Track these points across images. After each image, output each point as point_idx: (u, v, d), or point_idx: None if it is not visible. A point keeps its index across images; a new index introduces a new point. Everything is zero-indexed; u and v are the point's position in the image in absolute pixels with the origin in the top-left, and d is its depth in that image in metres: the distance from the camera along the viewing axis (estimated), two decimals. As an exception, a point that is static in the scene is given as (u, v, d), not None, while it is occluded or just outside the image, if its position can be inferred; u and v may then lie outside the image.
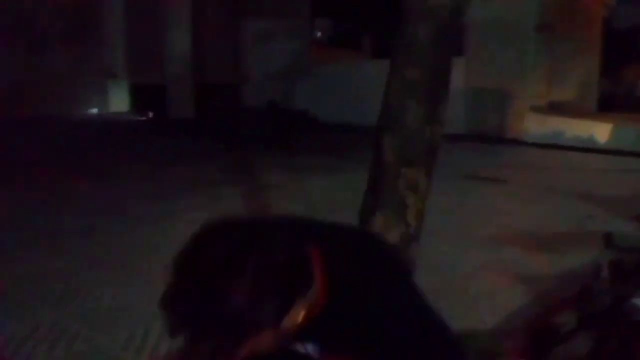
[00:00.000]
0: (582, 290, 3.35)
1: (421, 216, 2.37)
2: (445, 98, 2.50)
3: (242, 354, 1.08)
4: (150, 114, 15.68)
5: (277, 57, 15.90)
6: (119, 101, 16.96)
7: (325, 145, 11.29)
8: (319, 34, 17.64)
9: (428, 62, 2.47)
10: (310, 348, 1.27)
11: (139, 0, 16.21)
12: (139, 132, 13.74)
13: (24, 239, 5.30)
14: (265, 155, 9.97)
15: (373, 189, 2.38)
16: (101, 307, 3.92)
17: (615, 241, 4.08)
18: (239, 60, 16.60)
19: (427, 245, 3.64)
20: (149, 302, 4.07)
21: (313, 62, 15.71)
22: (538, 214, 6.42)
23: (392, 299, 1.19)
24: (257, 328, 1.05)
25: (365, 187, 2.45)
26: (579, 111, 12.17)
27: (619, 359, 2.92)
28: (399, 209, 2.31)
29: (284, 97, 15.53)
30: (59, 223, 5.84)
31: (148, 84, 15.93)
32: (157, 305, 1.07)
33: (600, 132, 11.19)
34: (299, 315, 1.11)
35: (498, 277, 4.40)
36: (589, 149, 10.79)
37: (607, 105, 12.89)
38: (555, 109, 12.37)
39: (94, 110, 16.63)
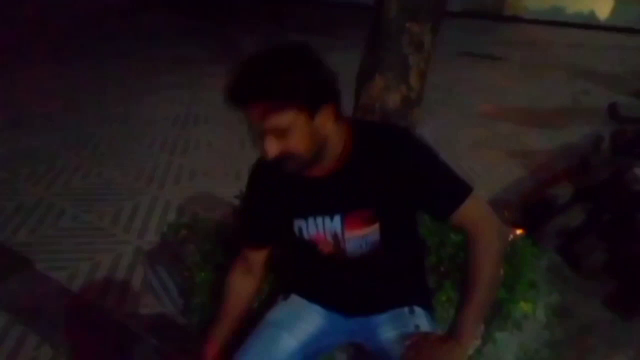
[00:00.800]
0: (580, 163, 3.26)
1: (424, 78, 2.15)
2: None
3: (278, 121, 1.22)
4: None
5: None
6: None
7: (317, 22, 10.76)
8: None
9: None
10: (335, 221, 1.40)
11: None
12: (115, 8, 12.98)
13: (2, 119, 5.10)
14: (252, 33, 9.50)
15: (372, 48, 2.14)
16: (85, 185, 3.82)
17: (621, 111, 3.92)
18: None
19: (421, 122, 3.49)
20: (135, 179, 3.99)
21: None
22: (534, 90, 6.24)
23: (407, 161, 1.32)
24: (292, 100, 1.20)
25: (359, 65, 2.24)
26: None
27: (613, 231, 2.89)
28: (401, 69, 2.09)
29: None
30: (40, 103, 5.59)
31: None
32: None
33: (602, 8, 10.72)
34: (326, 120, 1.26)
35: (493, 152, 4.32)
36: (590, 25, 10.39)
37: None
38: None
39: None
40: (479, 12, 11.59)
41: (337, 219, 1.39)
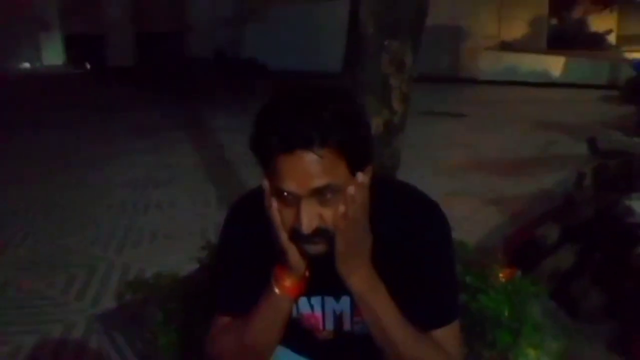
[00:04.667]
0: (565, 202, 3.13)
1: (407, 101, 2.00)
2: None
3: None
4: (88, 65, 14.73)
5: (223, 1, 15.09)
6: (52, 54, 15.80)
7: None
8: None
9: None
10: (342, 302, 1.15)
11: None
12: (77, 83, 12.87)
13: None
14: (212, 102, 9.45)
15: (349, 70, 1.98)
16: (35, 252, 3.48)
17: (600, 145, 3.86)
18: (183, 6, 15.69)
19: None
20: (90, 244, 3.67)
21: (260, 5, 14.88)
22: (500, 142, 6.25)
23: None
24: (349, 152, 0.96)
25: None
26: (532, 48, 12.07)
27: (607, 270, 2.73)
28: (382, 91, 1.93)
29: (231, 45, 14.79)
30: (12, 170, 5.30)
31: (84, 33, 14.91)
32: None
33: (554, 66, 11.15)
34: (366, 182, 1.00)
35: (470, 200, 4.18)
36: (543, 83, 10.73)
37: (556, 43, 12.78)
38: (508, 47, 12.24)
39: (26, 65, 15.49)
40: (434, 75, 11.86)
41: (345, 300, 1.13)
